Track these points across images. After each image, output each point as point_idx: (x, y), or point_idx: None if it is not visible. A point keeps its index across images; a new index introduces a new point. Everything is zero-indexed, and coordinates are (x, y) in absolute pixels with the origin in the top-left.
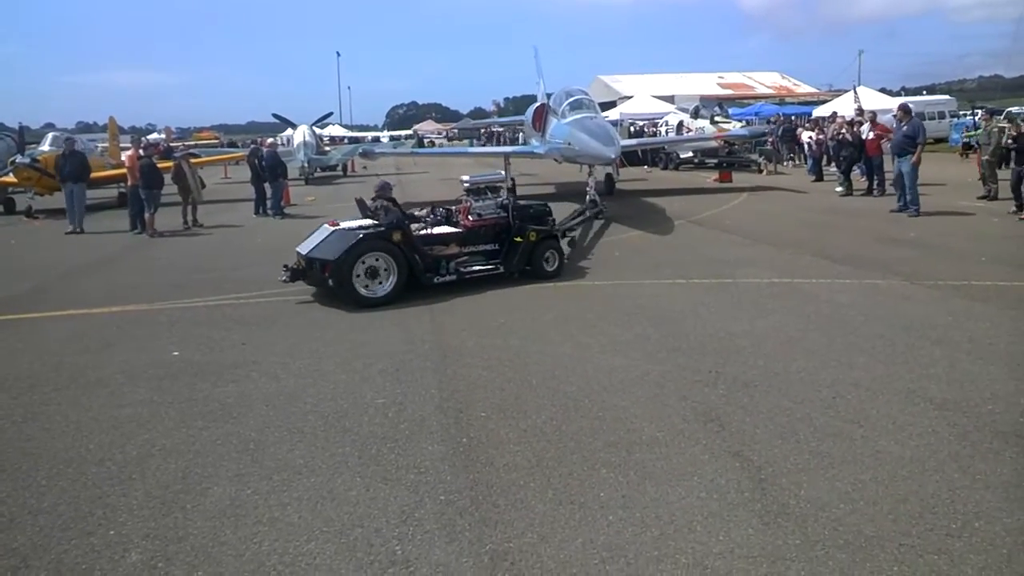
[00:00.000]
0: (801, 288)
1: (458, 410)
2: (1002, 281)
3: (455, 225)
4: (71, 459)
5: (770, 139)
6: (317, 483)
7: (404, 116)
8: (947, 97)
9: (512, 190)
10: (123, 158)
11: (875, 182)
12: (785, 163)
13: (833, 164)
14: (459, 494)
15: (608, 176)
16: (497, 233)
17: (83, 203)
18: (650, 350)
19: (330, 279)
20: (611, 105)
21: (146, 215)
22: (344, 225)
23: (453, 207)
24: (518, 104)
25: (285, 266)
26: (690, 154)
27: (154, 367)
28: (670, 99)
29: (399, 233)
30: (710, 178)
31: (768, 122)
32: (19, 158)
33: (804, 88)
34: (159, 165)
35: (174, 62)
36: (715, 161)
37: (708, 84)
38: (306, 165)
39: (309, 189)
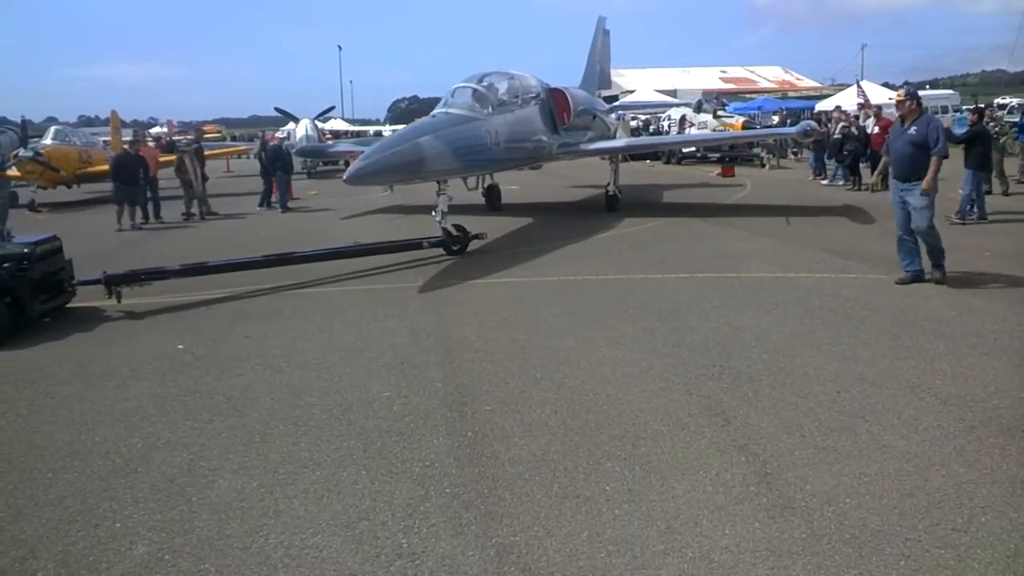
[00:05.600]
0: (805, 283)
1: (463, 404)
2: (1005, 275)
3: None
4: (76, 452)
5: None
6: (323, 476)
7: (406, 110)
8: (950, 91)
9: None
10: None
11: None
12: (788, 157)
13: (834, 159)
14: (465, 487)
15: (607, 189)
16: None
17: None
18: (655, 344)
19: None
20: (613, 99)
21: (126, 208)
22: None
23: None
24: None
25: None
26: (692, 148)
27: (158, 360)
28: (672, 93)
29: None
30: (713, 172)
31: (816, 117)
32: (22, 151)
33: (806, 82)
34: (161, 159)
35: (176, 56)
36: (718, 155)
37: (710, 78)
38: (305, 160)
39: (312, 183)
